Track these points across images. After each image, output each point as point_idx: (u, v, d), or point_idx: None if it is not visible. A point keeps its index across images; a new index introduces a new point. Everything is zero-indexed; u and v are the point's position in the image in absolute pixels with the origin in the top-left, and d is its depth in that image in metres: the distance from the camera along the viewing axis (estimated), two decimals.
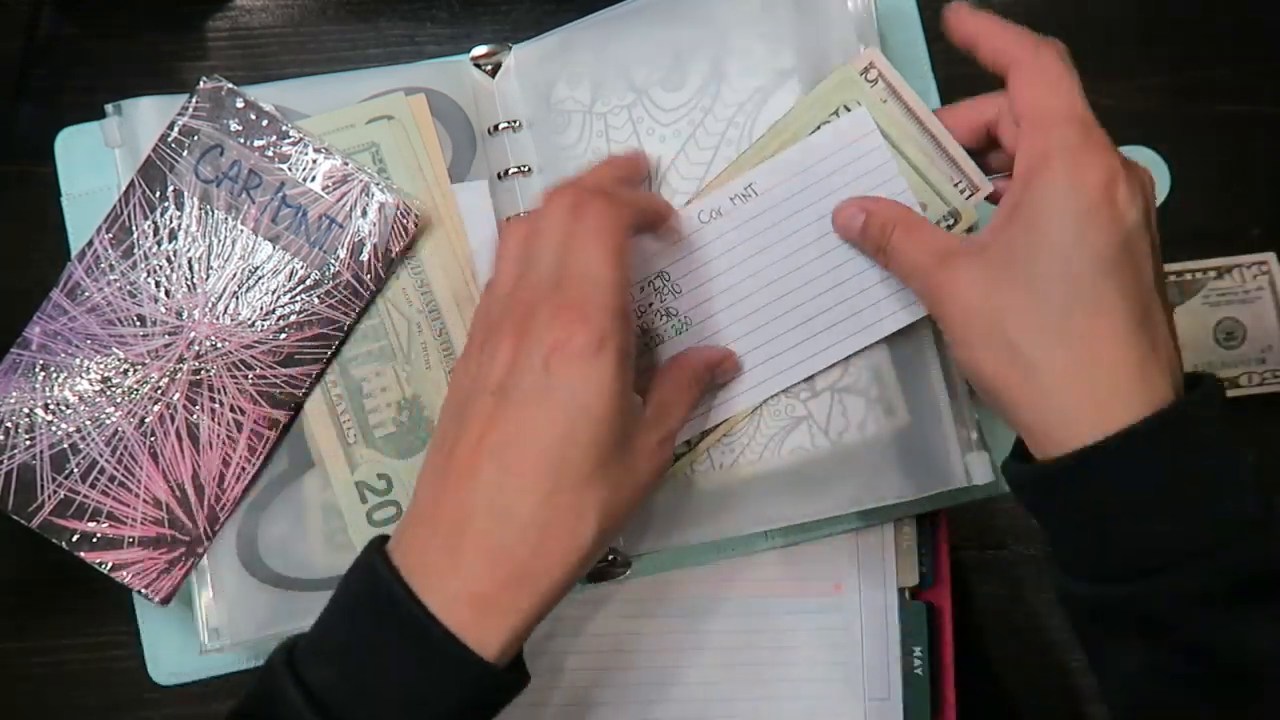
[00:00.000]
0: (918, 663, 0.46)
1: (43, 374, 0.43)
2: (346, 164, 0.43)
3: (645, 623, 0.47)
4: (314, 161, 0.43)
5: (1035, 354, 0.34)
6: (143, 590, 0.43)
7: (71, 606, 0.49)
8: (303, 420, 0.44)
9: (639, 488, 0.37)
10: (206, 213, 0.43)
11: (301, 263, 0.43)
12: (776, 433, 0.43)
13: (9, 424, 0.43)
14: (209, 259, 0.43)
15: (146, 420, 0.43)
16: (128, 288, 0.44)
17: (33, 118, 0.50)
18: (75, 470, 0.43)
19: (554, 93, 0.46)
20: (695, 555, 0.46)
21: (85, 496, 0.43)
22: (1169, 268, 0.50)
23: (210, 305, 0.43)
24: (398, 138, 0.45)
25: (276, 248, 0.43)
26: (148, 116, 0.45)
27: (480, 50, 0.47)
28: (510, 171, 0.47)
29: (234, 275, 0.43)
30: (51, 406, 0.43)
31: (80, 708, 0.48)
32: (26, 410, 0.43)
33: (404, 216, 0.44)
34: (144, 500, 0.43)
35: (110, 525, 0.43)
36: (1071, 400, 0.34)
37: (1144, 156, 0.48)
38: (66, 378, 0.43)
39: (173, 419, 0.43)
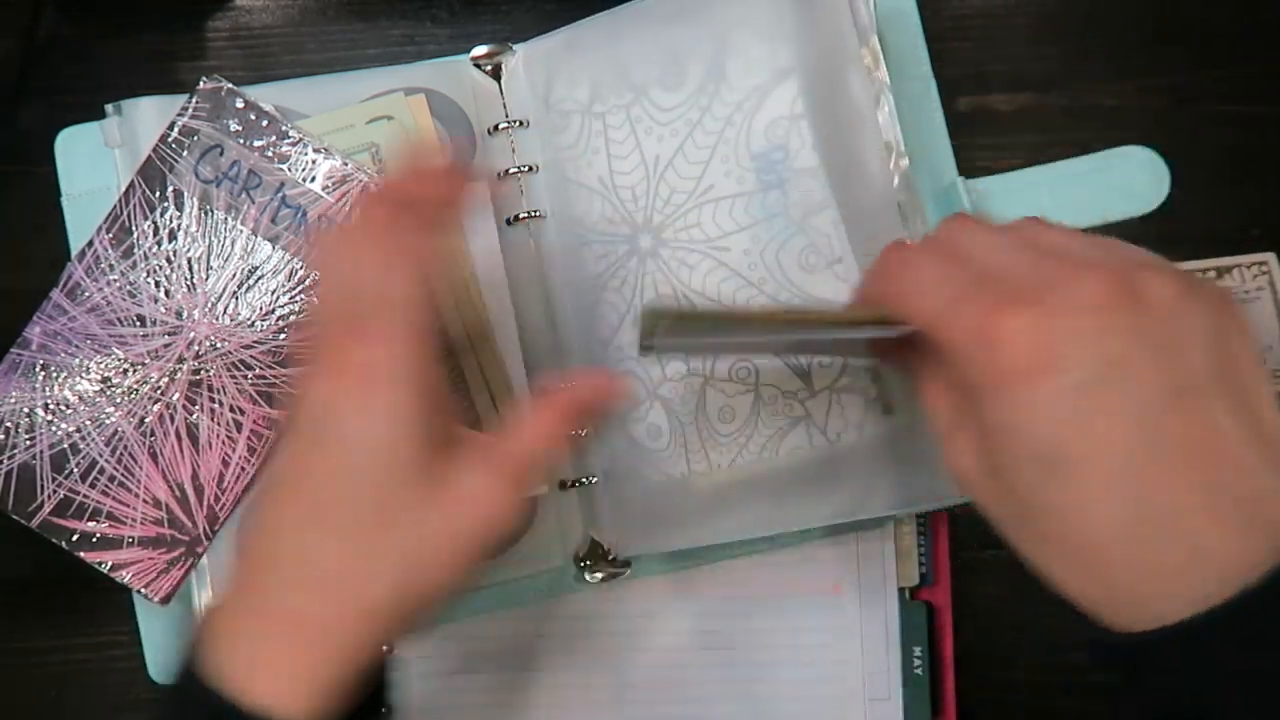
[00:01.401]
0: (918, 663, 0.46)
1: (43, 374, 0.43)
2: (346, 164, 0.44)
3: (644, 623, 0.47)
4: (314, 162, 0.43)
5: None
6: (142, 590, 0.43)
7: (71, 606, 0.49)
8: None
9: (460, 535, 0.32)
10: (206, 213, 0.43)
11: (302, 263, 0.43)
12: (774, 433, 0.43)
13: (9, 424, 0.43)
14: (209, 259, 0.43)
15: (146, 420, 0.43)
16: (127, 288, 0.44)
17: (33, 118, 0.50)
18: (75, 470, 0.43)
19: (553, 93, 0.46)
20: (694, 556, 0.46)
21: (85, 496, 0.43)
22: None
23: (210, 305, 0.43)
24: (398, 138, 0.45)
25: (276, 248, 0.43)
26: (148, 116, 0.45)
27: (480, 50, 0.48)
28: (511, 171, 0.47)
29: (234, 275, 0.43)
30: (51, 406, 0.43)
31: (80, 707, 0.48)
32: (26, 410, 0.43)
33: None
34: (143, 500, 0.43)
35: (110, 525, 0.43)
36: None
37: (1144, 156, 0.48)
38: (66, 377, 0.43)
39: (172, 419, 0.43)
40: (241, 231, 0.43)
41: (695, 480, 0.44)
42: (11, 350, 0.44)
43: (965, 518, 0.47)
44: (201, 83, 0.44)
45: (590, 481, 0.46)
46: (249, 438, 0.43)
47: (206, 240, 0.44)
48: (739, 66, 0.44)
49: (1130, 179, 0.47)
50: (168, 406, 0.43)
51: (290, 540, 0.32)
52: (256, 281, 0.44)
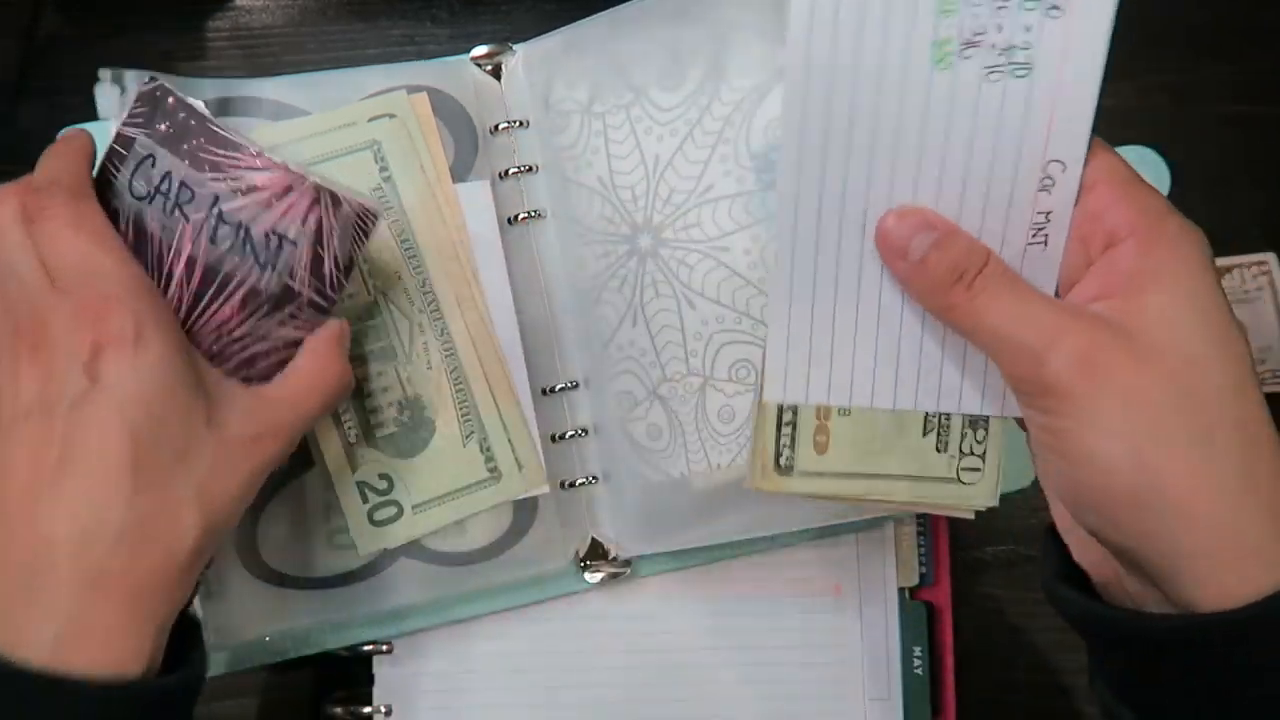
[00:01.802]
0: (917, 663, 0.46)
1: None
2: (290, 170, 0.37)
3: (644, 623, 0.47)
4: (251, 169, 0.37)
5: (1200, 507, 0.29)
6: None
7: None
8: None
9: (248, 468, 0.34)
10: (141, 236, 0.36)
11: (252, 287, 0.37)
12: None
13: None
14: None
15: None
16: None
17: (33, 118, 0.50)
18: None
19: (553, 93, 0.46)
20: (695, 556, 0.46)
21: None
22: None
23: None
24: (399, 136, 0.45)
25: (221, 272, 0.36)
26: None
27: (481, 50, 0.48)
28: (512, 171, 0.47)
29: (178, 306, 0.36)
30: None
31: None
32: None
33: (364, 219, 0.39)
34: None
35: None
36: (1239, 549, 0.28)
37: (1144, 156, 0.48)
38: None
39: None
40: (179, 255, 0.36)
41: (695, 480, 0.44)
42: None
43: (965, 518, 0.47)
44: (138, 84, 0.38)
45: (590, 481, 0.46)
46: None
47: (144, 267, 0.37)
48: (739, 66, 0.44)
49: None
50: None
51: (95, 508, 0.31)
52: (203, 312, 0.37)
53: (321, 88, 0.46)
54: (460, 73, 0.47)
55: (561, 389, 0.46)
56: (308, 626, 0.44)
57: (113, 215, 0.36)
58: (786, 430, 0.37)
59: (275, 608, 0.43)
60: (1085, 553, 0.34)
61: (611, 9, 0.46)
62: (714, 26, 0.44)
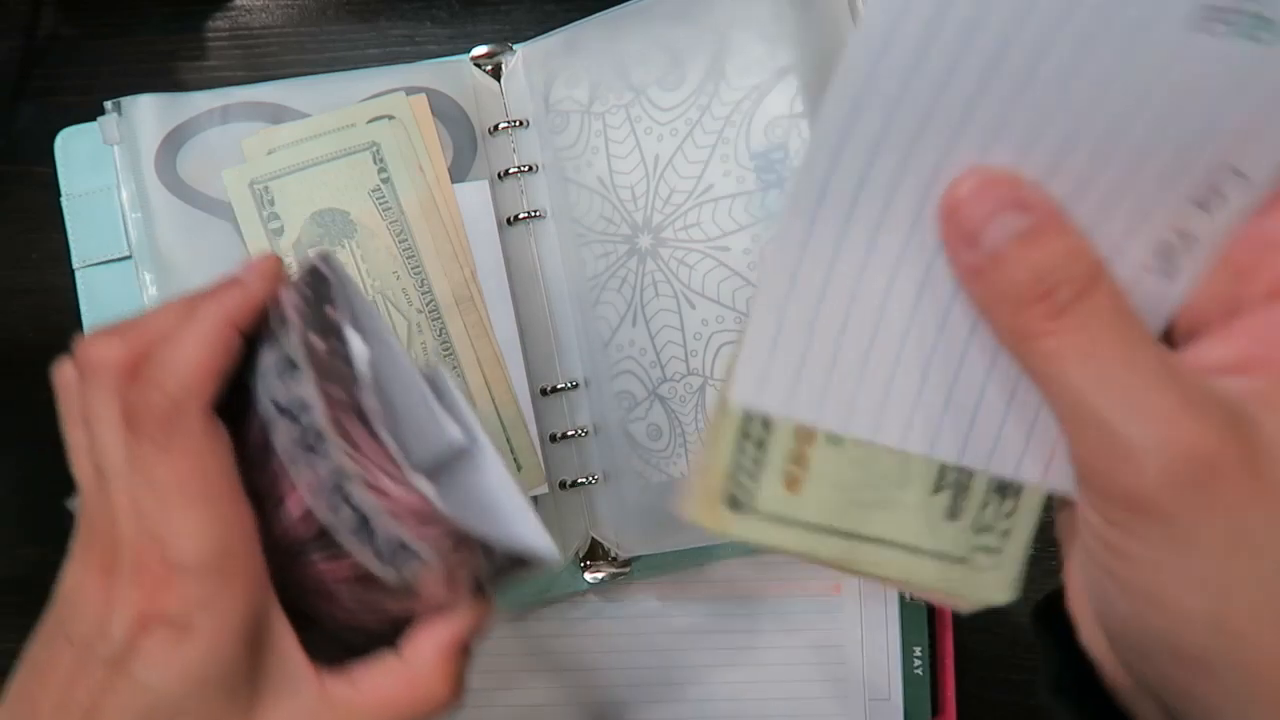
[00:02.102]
0: (918, 663, 0.46)
1: None
2: (434, 506, 0.28)
3: (644, 623, 0.47)
4: (387, 474, 0.28)
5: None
6: None
7: None
8: None
9: None
10: (264, 444, 0.29)
11: (368, 572, 0.29)
12: None
13: None
14: None
15: None
16: None
17: (33, 118, 0.50)
18: None
19: (552, 93, 0.46)
20: (695, 556, 0.46)
21: None
22: None
23: None
24: (398, 137, 0.45)
25: (337, 541, 0.28)
26: (146, 114, 0.45)
27: (480, 50, 0.48)
28: (511, 171, 0.47)
29: (284, 538, 0.30)
30: None
31: None
32: None
33: (517, 563, 0.30)
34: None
35: None
36: None
37: None
38: None
39: None
40: (296, 497, 0.28)
41: None
42: None
43: None
44: (318, 261, 0.29)
45: (590, 481, 0.46)
46: None
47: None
48: (738, 66, 0.44)
49: None
50: None
51: None
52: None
53: (320, 90, 0.46)
54: (459, 73, 0.47)
55: (561, 389, 0.46)
56: None
57: (242, 392, 0.29)
58: (750, 450, 0.26)
59: None
60: (1097, 639, 0.25)
61: (612, 9, 0.46)
62: (714, 26, 0.44)
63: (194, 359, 0.27)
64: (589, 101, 0.46)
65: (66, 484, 0.48)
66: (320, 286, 0.27)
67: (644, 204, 0.45)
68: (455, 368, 0.44)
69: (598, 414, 0.46)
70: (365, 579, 0.28)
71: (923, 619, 0.46)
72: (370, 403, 0.27)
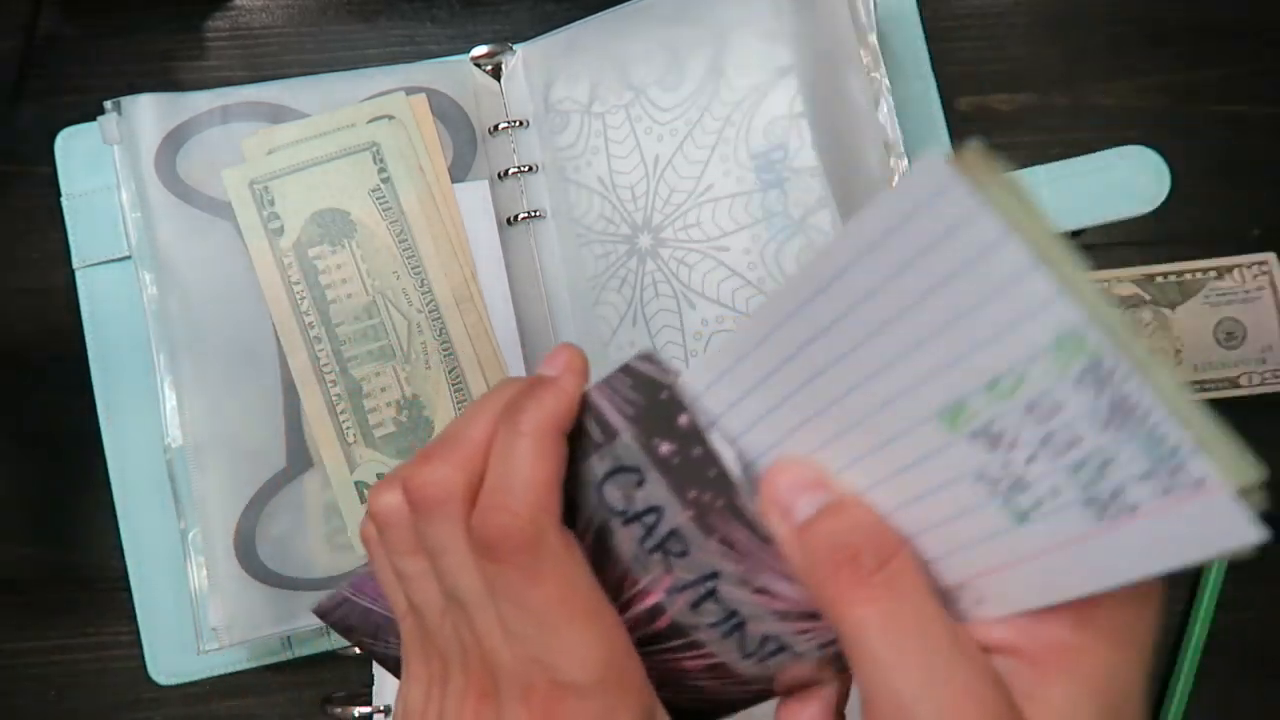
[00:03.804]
0: None
1: None
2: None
3: None
4: (775, 573, 0.26)
5: None
6: None
7: (72, 606, 0.49)
8: (302, 420, 0.44)
9: None
10: (602, 549, 0.28)
11: (724, 663, 0.29)
12: None
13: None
14: None
15: None
16: None
17: (33, 118, 0.50)
18: None
19: (552, 93, 0.46)
20: None
21: None
22: (1169, 268, 0.50)
23: None
24: (398, 137, 0.45)
25: (691, 636, 0.28)
26: (146, 114, 0.45)
27: (481, 50, 0.48)
28: (511, 171, 0.47)
29: (629, 629, 0.29)
30: None
31: (80, 708, 0.48)
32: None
33: None
34: None
35: None
36: None
37: (1144, 156, 0.48)
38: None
39: None
40: (645, 598, 0.28)
41: None
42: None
43: None
44: (635, 361, 0.27)
45: None
46: None
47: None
48: (738, 66, 0.44)
49: (1130, 179, 0.47)
50: None
51: None
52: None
53: (320, 90, 0.46)
54: (459, 73, 0.47)
55: None
56: (307, 626, 0.44)
57: (568, 501, 0.27)
58: None
59: (274, 608, 0.43)
60: None
61: (611, 9, 0.46)
62: (714, 26, 0.44)
63: (537, 477, 0.26)
64: (589, 101, 0.46)
65: (66, 484, 0.48)
66: (652, 390, 0.26)
67: (644, 204, 0.45)
68: (455, 367, 0.44)
69: None
70: (719, 669, 0.28)
71: None
72: (753, 507, 0.26)
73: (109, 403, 0.46)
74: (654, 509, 0.27)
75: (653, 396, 0.26)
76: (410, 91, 0.46)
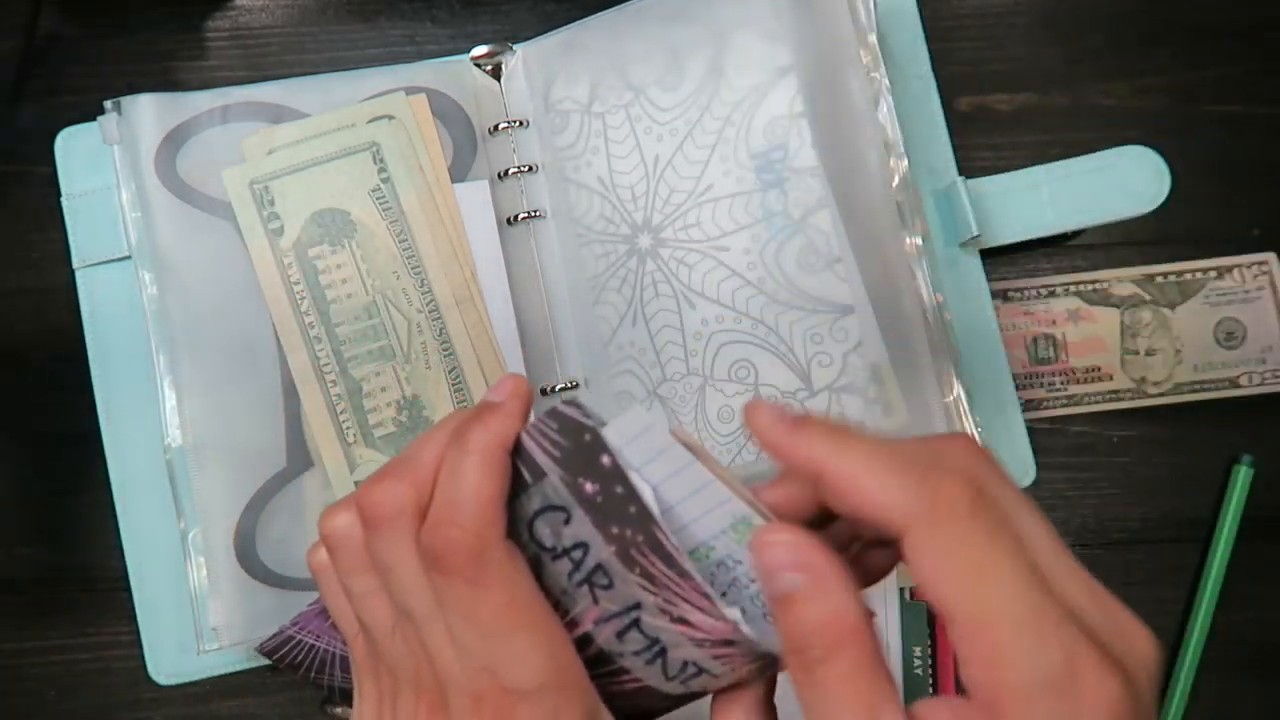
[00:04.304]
0: (917, 663, 0.46)
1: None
2: (735, 625, 0.27)
3: None
4: (693, 605, 0.28)
5: None
6: None
7: (72, 606, 0.49)
8: (302, 419, 0.44)
9: None
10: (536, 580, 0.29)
11: (648, 686, 0.30)
12: None
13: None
14: None
15: None
16: None
17: (33, 118, 0.50)
18: None
19: (552, 93, 0.46)
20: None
21: None
22: (1169, 267, 0.50)
23: None
24: (398, 137, 0.45)
25: (618, 663, 0.29)
26: (146, 114, 0.45)
27: (481, 50, 0.48)
28: (511, 171, 0.47)
29: None
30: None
31: (80, 708, 0.48)
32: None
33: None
34: None
35: None
36: None
37: (1144, 156, 0.48)
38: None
39: None
40: (574, 628, 0.29)
41: None
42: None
43: None
44: (561, 406, 0.28)
45: None
46: None
47: None
48: (738, 66, 0.44)
49: (1130, 179, 0.47)
50: None
51: None
52: None
53: (320, 90, 0.46)
54: (459, 73, 0.47)
55: (561, 389, 0.46)
56: None
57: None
58: None
59: (274, 608, 0.43)
60: None
61: (611, 9, 0.46)
62: (714, 26, 0.44)
63: (483, 493, 0.27)
64: (589, 101, 0.46)
65: (66, 484, 0.48)
66: (577, 433, 0.28)
67: (644, 204, 0.45)
68: (455, 367, 0.44)
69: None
70: (646, 692, 0.30)
71: (923, 619, 0.46)
72: (670, 541, 0.27)
73: (109, 403, 0.46)
74: (580, 544, 0.28)
75: (578, 439, 0.28)
76: (410, 91, 0.46)
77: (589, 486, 0.27)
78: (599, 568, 0.28)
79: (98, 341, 0.47)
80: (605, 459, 0.27)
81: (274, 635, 0.36)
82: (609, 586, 0.28)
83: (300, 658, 0.37)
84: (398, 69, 0.47)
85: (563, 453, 0.28)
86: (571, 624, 0.29)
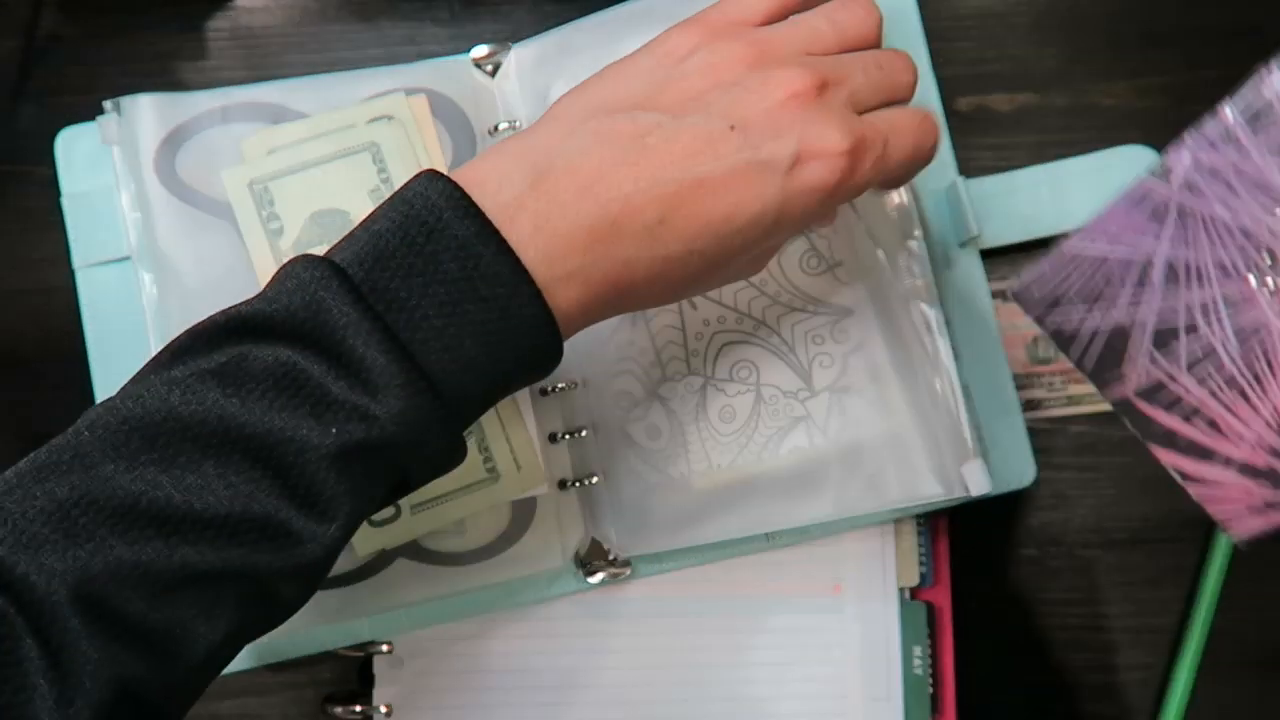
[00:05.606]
0: (917, 663, 0.46)
1: (1177, 221, 0.33)
2: None
3: (645, 623, 0.47)
4: None
5: None
6: (1222, 521, 0.35)
7: None
8: None
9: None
10: None
11: None
12: (775, 433, 0.43)
13: (1114, 271, 0.34)
14: None
15: None
16: None
17: (33, 118, 0.50)
18: (1182, 353, 0.33)
19: (551, 93, 0.46)
20: (694, 556, 0.46)
21: (1186, 389, 0.34)
22: None
23: None
24: (398, 138, 0.45)
25: None
26: (146, 114, 0.45)
27: (480, 51, 0.48)
28: None
29: None
30: (1178, 266, 0.34)
31: None
32: (1143, 260, 0.34)
33: None
34: (1266, 419, 0.33)
35: (1208, 434, 0.34)
36: None
37: (1144, 156, 0.48)
38: (1209, 235, 0.33)
39: None
40: None
41: (695, 480, 0.44)
42: (1146, 178, 0.33)
43: (965, 518, 0.47)
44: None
45: (590, 482, 0.46)
46: None
47: None
48: None
49: (1130, 179, 0.47)
50: None
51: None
52: None
53: (320, 90, 0.46)
54: (458, 74, 0.47)
55: (560, 389, 0.46)
56: (307, 626, 0.44)
57: None
58: None
59: None
60: None
61: (609, 9, 0.46)
62: None
63: None
64: None
65: None
66: None
67: None
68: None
69: (596, 414, 0.46)
70: None
71: (923, 619, 0.46)
72: None
73: None
74: None
75: None
76: (410, 92, 0.46)
77: None
78: None
79: (98, 342, 0.47)
80: None
81: (1032, 270, 0.34)
82: None
83: (1073, 284, 0.35)
84: (398, 69, 0.47)
85: None
86: None
